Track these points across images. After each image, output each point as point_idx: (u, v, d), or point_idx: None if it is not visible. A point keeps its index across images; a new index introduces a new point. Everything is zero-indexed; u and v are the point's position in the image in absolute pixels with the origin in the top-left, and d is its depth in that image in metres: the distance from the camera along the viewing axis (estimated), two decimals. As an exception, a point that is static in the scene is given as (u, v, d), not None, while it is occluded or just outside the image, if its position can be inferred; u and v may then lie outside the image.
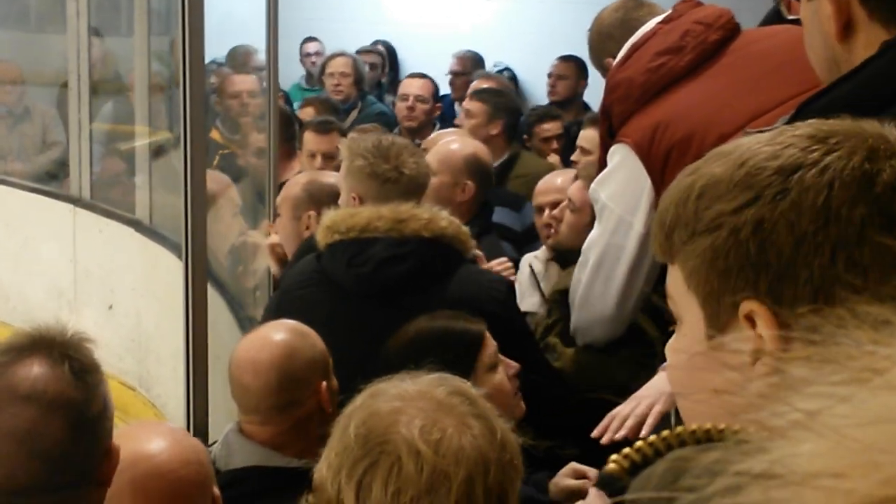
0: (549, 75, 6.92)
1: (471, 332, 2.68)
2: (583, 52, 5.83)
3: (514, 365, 2.73)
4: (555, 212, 3.57)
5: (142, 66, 5.83)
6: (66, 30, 6.42)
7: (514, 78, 7.54)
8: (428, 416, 1.48)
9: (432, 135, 4.74)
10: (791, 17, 3.29)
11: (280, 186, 4.34)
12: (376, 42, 8.28)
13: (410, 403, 1.50)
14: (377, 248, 2.91)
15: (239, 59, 6.49)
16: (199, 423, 3.07)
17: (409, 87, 5.94)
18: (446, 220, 2.96)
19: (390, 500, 1.43)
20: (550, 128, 5.70)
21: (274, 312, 3.06)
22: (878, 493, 0.42)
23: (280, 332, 2.59)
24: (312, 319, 2.78)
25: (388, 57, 8.26)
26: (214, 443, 2.82)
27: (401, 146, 3.12)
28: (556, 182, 3.84)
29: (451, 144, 3.94)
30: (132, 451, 1.94)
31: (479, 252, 3.21)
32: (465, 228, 3.04)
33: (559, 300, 3.34)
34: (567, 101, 6.62)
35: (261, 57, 6.04)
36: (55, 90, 7.21)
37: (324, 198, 3.46)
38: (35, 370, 1.76)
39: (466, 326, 2.69)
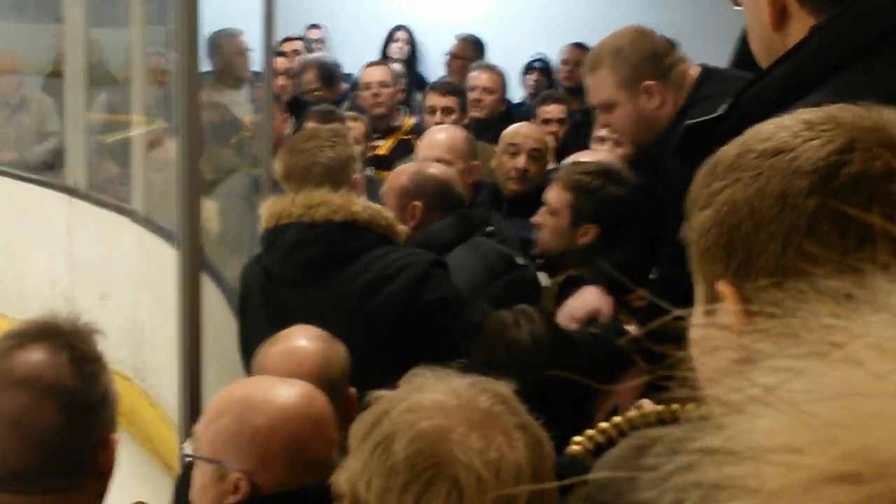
0: (564, 62, 6.93)
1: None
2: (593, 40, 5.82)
3: None
4: (535, 218, 3.43)
5: (139, 56, 5.82)
6: (62, 19, 6.41)
7: (546, 69, 7.47)
8: (480, 434, 1.38)
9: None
10: (737, 7, 3.27)
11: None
12: (399, 27, 8.23)
13: (455, 418, 1.40)
14: (289, 234, 3.07)
15: (224, 44, 6.45)
16: (193, 413, 3.06)
17: (370, 75, 5.99)
18: (360, 205, 3.06)
19: None
20: (551, 110, 5.68)
21: (239, 300, 3.37)
22: (836, 469, 0.42)
23: (310, 341, 2.56)
24: (254, 305, 3.20)
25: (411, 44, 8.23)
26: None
27: (316, 135, 3.27)
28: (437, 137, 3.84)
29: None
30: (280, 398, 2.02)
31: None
32: (388, 213, 3.12)
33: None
34: (579, 89, 6.61)
35: (243, 39, 6.10)
36: (50, 80, 7.21)
37: (429, 189, 3.42)
38: (33, 357, 1.77)
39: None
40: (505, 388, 1.48)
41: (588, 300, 3.13)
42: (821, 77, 1.59)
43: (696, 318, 1.10)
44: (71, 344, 1.82)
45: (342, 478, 1.45)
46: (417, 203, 3.39)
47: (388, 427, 1.40)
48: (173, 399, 3.42)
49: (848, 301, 0.46)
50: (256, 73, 5.73)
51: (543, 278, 3.47)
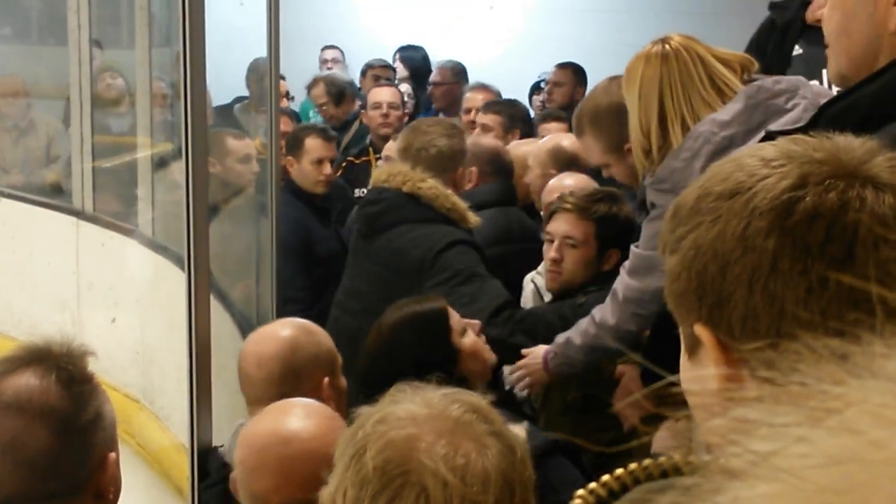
0: (546, 82, 6.94)
1: (435, 309, 2.90)
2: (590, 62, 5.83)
3: (476, 322, 2.97)
4: (552, 254, 3.38)
5: (143, 78, 5.83)
6: (67, 42, 6.43)
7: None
8: (447, 441, 1.42)
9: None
10: (813, 22, 3.25)
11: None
12: (406, 48, 8.23)
13: (425, 427, 1.43)
14: (369, 194, 3.68)
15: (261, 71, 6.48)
16: (202, 435, 3.06)
17: (381, 95, 6.00)
18: (429, 184, 3.49)
19: None
20: (550, 128, 5.70)
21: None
22: None
23: (287, 328, 2.69)
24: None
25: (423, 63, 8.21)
26: (221, 446, 2.86)
27: (439, 122, 3.94)
28: (564, 183, 3.83)
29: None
30: (284, 427, 2.04)
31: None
32: (455, 200, 3.52)
33: None
34: (564, 108, 6.61)
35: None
36: (57, 103, 7.22)
37: (563, 161, 4.07)
38: (23, 381, 1.79)
39: (430, 305, 2.92)
40: (479, 398, 1.52)
41: None
42: None
43: (682, 362, 1.10)
44: (60, 366, 1.83)
45: (325, 492, 1.49)
46: (553, 171, 4.02)
47: (361, 438, 1.45)
48: (183, 422, 3.42)
49: (842, 363, 0.46)
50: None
51: None
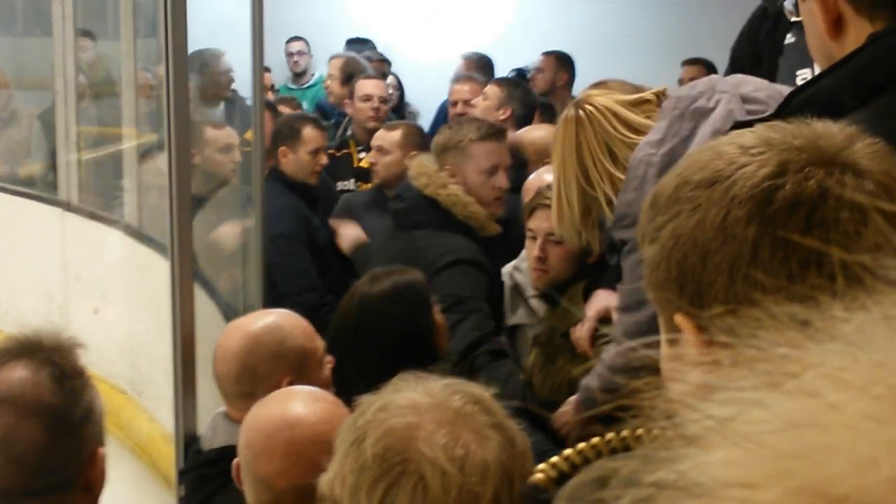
0: (529, 70, 6.96)
1: (420, 281, 2.99)
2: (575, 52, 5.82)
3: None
4: (536, 252, 3.28)
5: (128, 69, 5.81)
6: (52, 33, 6.40)
7: (523, 76, 7.47)
8: (447, 431, 1.42)
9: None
10: (794, 20, 3.27)
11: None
12: (354, 40, 8.22)
13: (426, 416, 1.43)
14: (398, 187, 3.82)
15: (205, 63, 6.38)
16: (188, 427, 3.06)
17: (371, 87, 5.92)
18: (451, 190, 3.54)
19: None
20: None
21: None
22: (790, 503, 0.40)
23: (257, 322, 2.64)
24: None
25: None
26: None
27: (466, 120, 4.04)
28: (543, 178, 3.79)
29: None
30: (291, 411, 2.05)
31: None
32: (476, 209, 3.54)
33: (546, 343, 3.29)
34: (545, 94, 6.59)
35: (226, 59, 6.06)
36: (43, 94, 7.20)
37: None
38: (14, 375, 1.78)
39: (412, 277, 2.99)
40: (481, 390, 1.52)
41: (600, 301, 3.14)
42: (866, 94, 1.55)
43: (662, 347, 1.10)
44: (52, 360, 1.82)
45: (324, 479, 1.49)
46: None
47: (361, 425, 1.45)
48: (170, 413, 3.42)
49: (803, 328, 0.45)
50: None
51: (540, 307, 3.45)
